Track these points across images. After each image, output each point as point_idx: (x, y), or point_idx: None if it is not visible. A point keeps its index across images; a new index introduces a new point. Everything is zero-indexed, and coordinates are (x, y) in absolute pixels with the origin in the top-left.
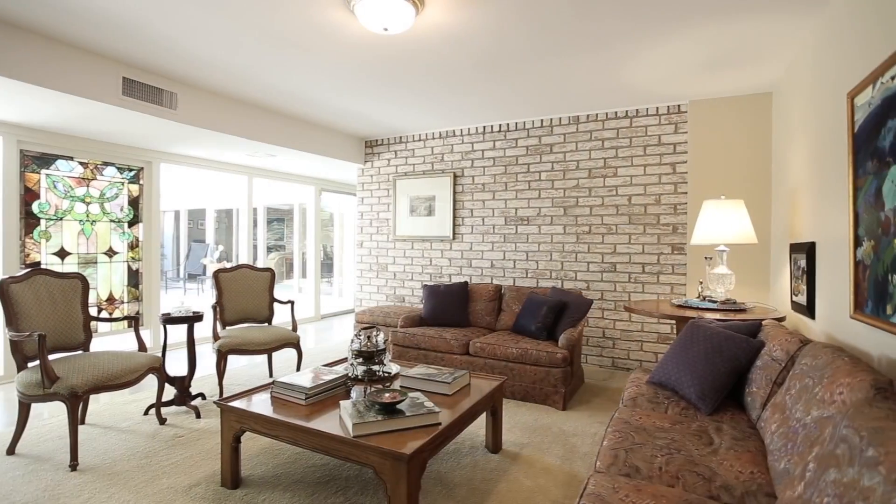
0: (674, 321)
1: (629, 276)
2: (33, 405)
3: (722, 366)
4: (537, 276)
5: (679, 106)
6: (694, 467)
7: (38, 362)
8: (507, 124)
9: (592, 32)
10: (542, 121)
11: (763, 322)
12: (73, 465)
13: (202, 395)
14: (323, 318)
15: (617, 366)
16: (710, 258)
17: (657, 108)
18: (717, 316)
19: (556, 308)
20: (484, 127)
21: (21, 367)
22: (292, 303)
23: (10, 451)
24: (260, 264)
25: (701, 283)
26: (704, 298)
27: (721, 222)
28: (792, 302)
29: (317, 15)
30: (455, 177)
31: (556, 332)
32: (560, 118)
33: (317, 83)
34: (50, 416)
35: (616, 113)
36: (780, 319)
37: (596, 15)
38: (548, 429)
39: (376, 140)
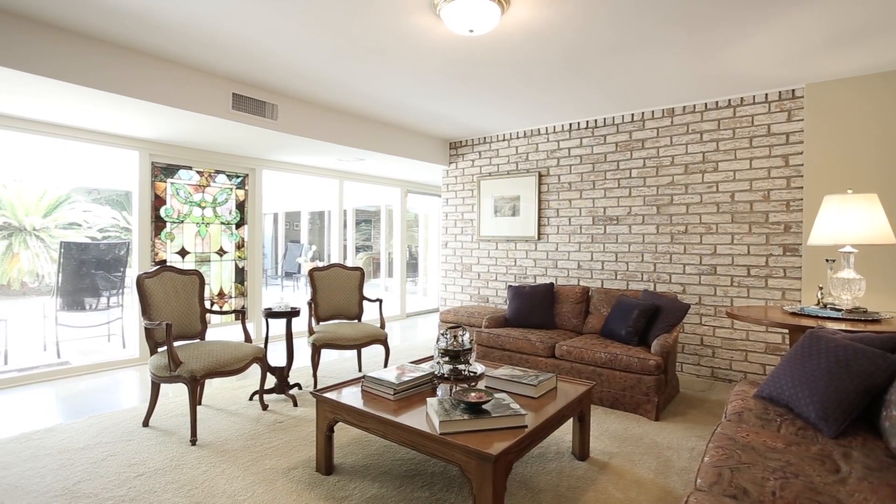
0: (787, 330)
1: (731, 279)
2: (162, 385)
3: (850, 383)
4: (627, 279)
5: (793, 91)
6: (816, 496)
7: (165, 348)
8: (595, 120)
9: (688, 17)
10: (632, 115)
11: None
12: (193, 441)
13: (298, 385)
14: (408, 316)
15: (717, 376)
16: (833, 261)
17: (766, 94)
18: (843, 326)
19: (648, 312)
20: (570, 124)
21: (153, 351)
22: (380, 301)
23: (145, 423)
24: (349, 264)
25: (821, 288)
26: (826, 306)
27: (847, 220)
28: None
29: (403, 21)
30: (540, 176)
31: (649, 337)
32: (653, 111)
33: (403, 88)
34: (174, 395)
35: (717, 103)
36: None
37: None
38: (639, 439)
39: (460, 141)
